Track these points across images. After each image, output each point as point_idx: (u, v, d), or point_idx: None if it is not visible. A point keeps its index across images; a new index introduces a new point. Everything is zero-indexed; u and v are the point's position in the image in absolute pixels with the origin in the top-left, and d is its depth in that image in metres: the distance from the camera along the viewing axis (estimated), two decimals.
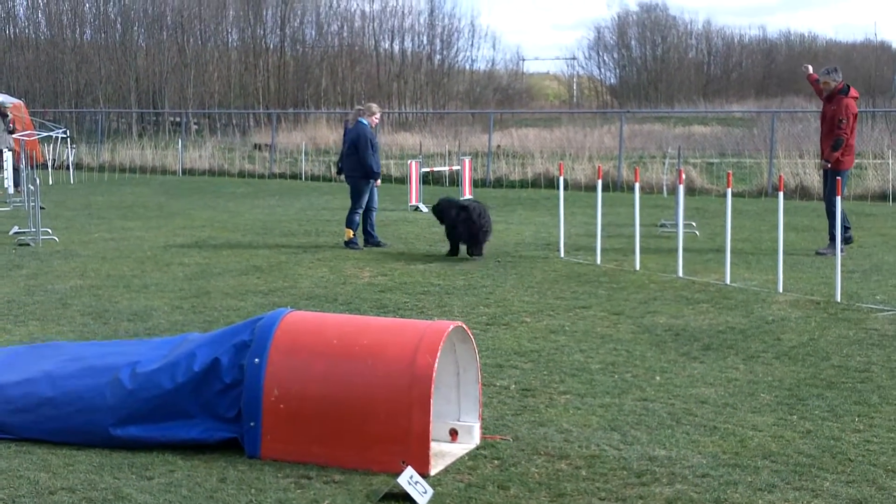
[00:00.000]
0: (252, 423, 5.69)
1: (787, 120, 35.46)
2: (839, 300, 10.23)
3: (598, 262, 12.83)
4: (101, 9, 61.61)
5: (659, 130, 43.40)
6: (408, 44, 72.46)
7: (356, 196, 14.64)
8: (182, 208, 20.66)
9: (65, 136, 32.28)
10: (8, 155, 23.31)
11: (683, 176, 13.28)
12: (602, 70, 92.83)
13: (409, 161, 22.05)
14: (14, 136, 24.66)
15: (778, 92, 77.37)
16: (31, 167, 20.90)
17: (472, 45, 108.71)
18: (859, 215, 16.55)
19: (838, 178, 12.70)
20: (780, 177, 11.31)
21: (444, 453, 5.75)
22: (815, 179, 22.75)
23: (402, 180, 22.99)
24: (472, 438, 5.97)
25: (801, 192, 22.51)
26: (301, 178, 30.10)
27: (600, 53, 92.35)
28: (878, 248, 14.23)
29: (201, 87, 59.80)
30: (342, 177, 15.34)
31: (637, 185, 12.96)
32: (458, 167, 22.83)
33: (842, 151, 13.60)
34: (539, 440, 6.01)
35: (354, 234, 14.56)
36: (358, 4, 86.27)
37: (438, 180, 26.80)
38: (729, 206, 11.45)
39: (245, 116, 57.00)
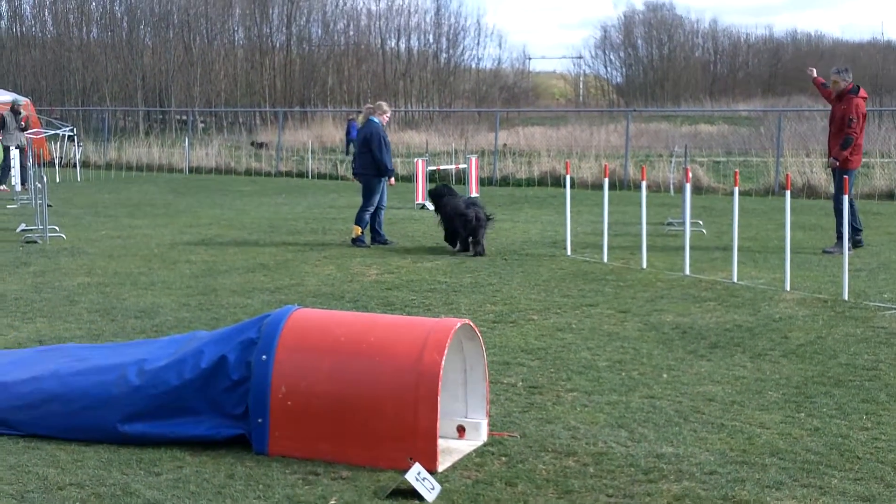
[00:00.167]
0: (260, 420, 5.70)
1: (794, 119, 35.43)
2: (846, 298, 10.22)
3: (605, 260, 12.82)
4: (108, 7, 61.71)
5: (665, 129, 43.40)
6: (414, 42, 72.53)
7: (368, 194, 14.63)
8: (189, 206, 20.68)
9: (72, 134, 32.35)
10: (15, 152, 23.37)
11: (690, 174, 13.28)
12: (608, 69, 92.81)
13: (415, 159, 22.07)
14: (26, 133, 24.75)
15: (784, 91, 77.31)
16: (39, 165, 20.91)
17: (478, 43, 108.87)
18: (866, 214, 16.53)
19: (845, 176, 12.65)
20: (787, 175, 11.30)
21: (451, 450, 5.76)
22: (821, 178, 22.74)
23: (409, 178, 23.00)
24: (479, 435, 5.97)
25: (808, 191, 22.49)
26: (307, 177, 30.12)
27: (606, 52, 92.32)
28: (886, 247, 14.21)
29: (208, 85, 59.88)
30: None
31: (644, 184, 12.96)
32: (465, 165, 22.82)
33: (850, 150, 13.59)
34: (546, 437, 6.01)
35: (363, 233, 14.55)
36: (364, 3, 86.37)
37: (445, 178, 26.79)
38: (736, 204, 11.44)
39: (251, 115, 57.07)
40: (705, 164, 27.36)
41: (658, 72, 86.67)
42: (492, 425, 6.16)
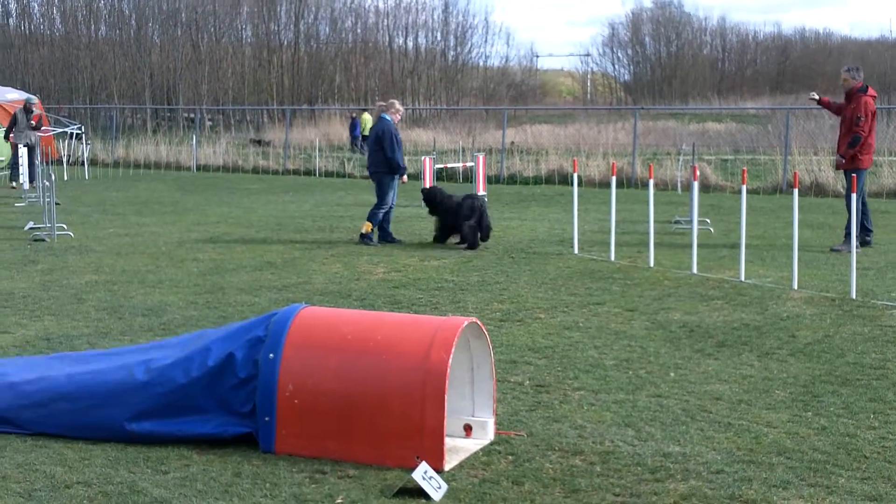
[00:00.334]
0: (267, 418, 5.70)
1: (802, 117, 35.33)
2: (854, 297, 10.20)
3: (612, 258, 12.81)
4: (116, 5, 61.80)
5: (673, 127, 43.34)
6: (422, 40, 72.50)
7: (382, 193, 14.61)
8: (196, 204, 20.71)
9: (79, 132, 32.40)
10: (23, 150, 23.42)
11: (698, 172, 13.26)
12: (616, 66, 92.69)
13: (422, 157, 22.06)
14: (38, 132, 24.84)
15: (793, 89, 77.13)
16: (47, 163, 20.98)
17: (485, 41, 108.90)
18: (874, 212, 16.48)
19: (853, 175, 12.61)
20: (795, 173, 11.28)
21: (458, 449, 5.76)
22: (830, 176, 22.70)
23: (416, 177, 23.00)
24: (486, 434, 5.97)
25: (817, 189, 22.45)
26: (315, 175, 30.14)
27: (614, 50, 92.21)
28: (894, 246, 14.18)
29: (215, 83, 59.95)
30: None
31: (651, 182, 12.94)
32: (472, 163, 22.83)
33: (859, 150, 13.57)
34: (553, 436, 6.01)
35: (373, 230, 14.51)
36: (372, 0, 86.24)
37: (452, 176, 26.80)
38: (744, 202, 11.42)
39: (259, 113, 57.10)
40: (713, 162, 27.32)
41: (666, 69, 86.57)
42: (499, 424, 6.16)
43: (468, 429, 5.98)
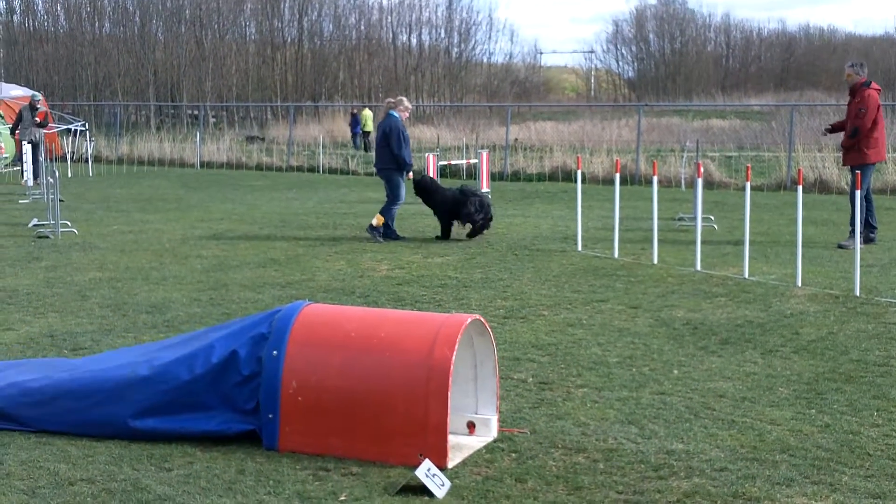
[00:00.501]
0: (270, 416, 5.70)
1: (806, 113, 35.32)
2: (858, 294, 10.19)
3: (616, 255, 12.81)
4: (120, 2, 61.84)
5: (677, 124, 43.36)
6: (425, 37, 72.56)
7: (393, 189, 14.62)
8: (200, 201, 20.73)
9: (83, 129, 32.43)
10: (27, 147, 23.45)
11: (702, 169, 13.25)
12: (620, 63, 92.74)
13: (426, 154, 22.08)
14: (45, 129, 24.90)
15: (797, 85, 77.17)
16: (51, 160, 20.99)
17: (489, 38, 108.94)
18: (879, 209, 16.46)
19: (857, 171, 12.60)
20: (800, 170, 11.26)
21: (461, 446, 5.76)
22: (834, 173, 22.69)
23: (421, 174, 22.97)
24: (489, 431, 5.97)
25: (821, 186, 22.44)
26: (318, 171, 30.15)
27: (618, 47, 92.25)
28: None
29: (219, 80, 59.98)
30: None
31: (655, 179, 12.93)
32: (476, 160, 22.83)
33: (866, 144, 13.55)
34: (556, 433, 6.01)
35: (383, 226, 14.48)
36: None
37: (456, 173, 26.80)
38: (748, 199, 11.41)
39: (262, 109, 57.11)
40: (717, 159, 27.31)
41: (670, 66, 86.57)
42: (502, 421, 6.16)
43: (471, 426, 5.98)
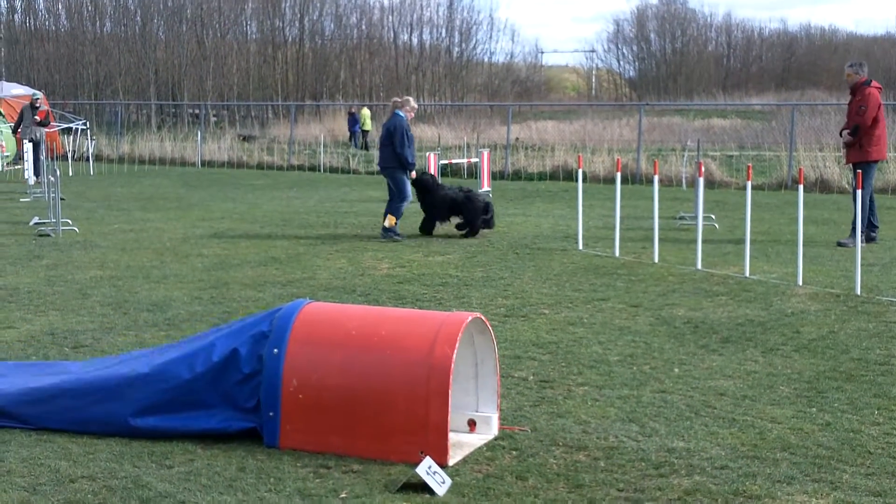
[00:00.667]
0: (271, 414, 5.70)
1: (807, 113, 35.32)
2: (859, 293, 10.19)
3: (617, 254, 12.81)
4: (121, 1, 61.85)
5: (678, 123, 43.36)
6: (426, 36, 72.58)
7: (398, 188, 14.61)
8: (201, 200, 20.73)
9: (85, 127, 32.43)
10: (28, 146, 23.47)
11: (703, 169, 13.25)
12: (621, 63, 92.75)
13: (427, 153, 22.07)
14: (46, 128, 24.92)
15: (798, 85, 77.14)
16: (52, 158, 20.99)
17: (490, 37, 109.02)
18: (880, 208, 16.47)
19: (859, 171, 12.60)
20: (800, 170, 11.26)
21: (462, 444, 5.76)
22: (835, 172, 22.69)
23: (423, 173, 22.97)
24: (490, 429, 5.97)
25: (821, 186, 22.43)
26: (319, 170, 30.16)
27: (619, 46, 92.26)
28: None
29: (220, 79, 59.98)
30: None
31: (656, 178, 12.93)
32: (477, 160, 22.83)
33: (867, 142, 13.55)
34: (557, 431, 6.01)
35: (397, 223, 14.48)
36: None
37: (457, 172, 26.80)
38: (749, 198, 11.40)
39: (264, 108, 57.11)
40: (718, 159, 27.31)
41: (671, 66, 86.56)
42: (503, 419, 6.16)
43: (472, 424, 5.98)
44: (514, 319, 9.16)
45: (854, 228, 13.11)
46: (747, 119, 45.76)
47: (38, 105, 24.91)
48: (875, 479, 5.26)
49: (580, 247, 13.50)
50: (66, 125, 32.69)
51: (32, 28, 63.18)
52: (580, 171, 14.06)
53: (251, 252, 13.27)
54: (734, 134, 37.86)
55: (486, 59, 78.69)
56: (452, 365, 5.43)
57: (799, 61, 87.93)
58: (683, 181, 23.66)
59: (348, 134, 42.37)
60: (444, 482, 5.11)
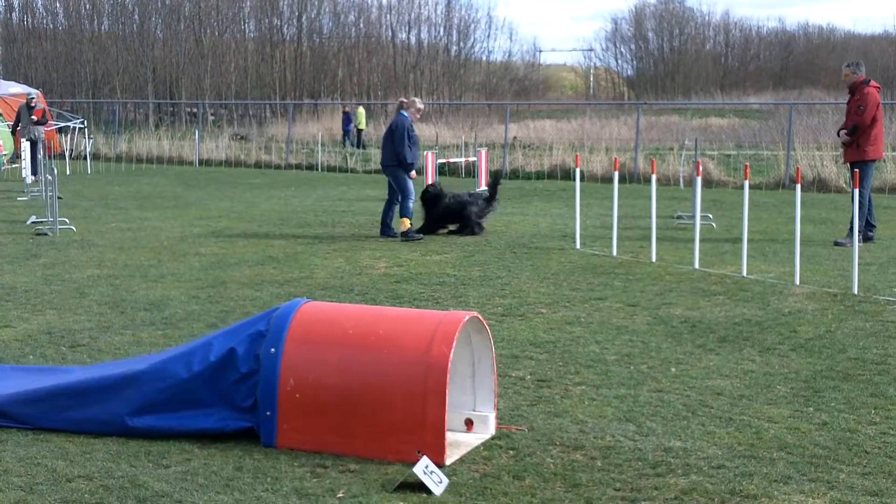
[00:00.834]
0: (268, 413, 5.70)
1: (805, 112, 35.33)
2: (856, 292, 10.20)
3: (614, 253, 12.81)
4: None
5: (676, 122, 43.34)
6: (424, 35, 72.54)
7: (401, 186, 14.59)
8: (198, 199, 20.72)
9: (82, 126, 32.42)
10: (26, 144, 23.46)
11: (700, 168, 13.26)
12: (619, 61, 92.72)
13: (425, 152, 22.05)
14: (43, 126, 24.93)
15: (796, 84, 77.17)
16: (49, 157, 20.99)
17: (488, 36, 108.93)
18: (877, 208, 16.50)
19: (856, 170, 12.60)
20: (798, 169, 11.27)
21: (459, 443, 5.76)
22: (832, 172, 22.70)
23: (418, 171, 22.98)
24: (487, 428, 5.97)
25: (819, 185, 22.45)
26: (317, 169, 30.15)
27: (617, 45, 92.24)
28: None
29: (218, 77, 59.95)
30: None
31: (654, 177, 12.93)
32: (475, 158, 22.83)
33: (864, 141, 13.55)
34: (554, 431, 6.01)
35: (411, 223, 14.48)
36: None
37: (455, 171, 26.80)
38: (746, 197, 11.41)
39: (262, 107, 57.09)
40: (716, 158, 27.31)
41: (669, 64, 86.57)
42: (500, 419, 6.16)
43: (469, 423, 5.98)
44: (512, 319, 9.16)
45: (851, 228, 13.11)
46: (745, 118, 45.77)
47: (33, 104, 24.91)
48: (871, 478, 5.26)
49: (578, 246, 13.50)
50: (63, 124, 32.67)
51: (30, 26, 63.16)
52: (578, 171, 14.04)
53: (249, 251, 13.27)
54: (732, 133, 37.86)
55: (483, 58, 78.70)
56: (449, 364, 5.43)
57: (797, 60, 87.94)
58: (681, 180, 23.66)
59: (341, 133, 42.32)
60: (441, 481, 5.11)
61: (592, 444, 5.77)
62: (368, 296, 10.27)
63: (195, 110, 51.92)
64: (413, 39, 72.06)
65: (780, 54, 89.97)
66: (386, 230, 14.71)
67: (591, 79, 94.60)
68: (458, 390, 5.97)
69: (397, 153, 14.49)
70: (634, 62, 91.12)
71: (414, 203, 14.75)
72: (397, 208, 14.87)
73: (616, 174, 13.17)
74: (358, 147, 38.16)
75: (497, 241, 14.25)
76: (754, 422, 6.18)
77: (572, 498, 5.02)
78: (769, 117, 40.99)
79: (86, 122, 34.26)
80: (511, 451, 5.69)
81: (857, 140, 13.67)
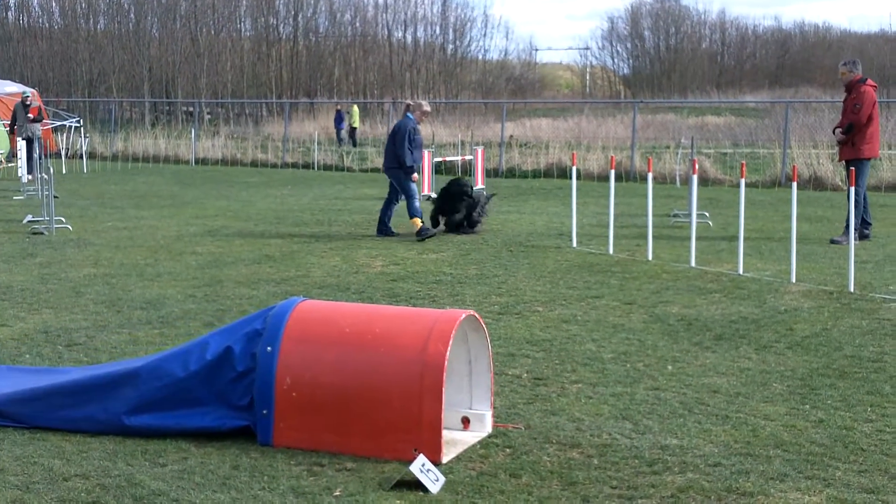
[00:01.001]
0: (265, 411, 5.70)
1: (801, 110, 35.36)
2: (852, 290, 10.20)
3: (611, 251, 12.82)
4: None
5: (672, 120, 43.40)
6: (420, 34, 72.57)
7: (405, 187, 14.55)
8: (195, 198, 20.71)
9: (78, 125, 32.38)
10: (22, 143, 23.44)
11: (697, 166, 13.27)
12: (615, 60, 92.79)
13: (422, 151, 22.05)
14: (39, 124, 24.92)
15: (792, 82, 77.25)
16: (45, 156, 20.96)
17: (484, 34, 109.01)
18: (873, 206, 16.53)
19: (852, 168, 12.61)
20: (794, 167, 11.27)
21: (455, 441, 5.76)
22: (828, 170, 22.72)
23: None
24: (483, 427, 5.98)
25: (815, 183, 22.46)
26: (313, 168, 30.14)
27: (613, 43, 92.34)
28: (892, 239, 14.19)
29: (214, 76, 59.93)
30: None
31: (650, 175, 12.94)
32: (471, 157, 22.83)
33: (860, 140, 13.56)
34: (551, 429, 6.01)
35: (423, 221, 14.45)
36: None
37: (451, 170, 26.80)
38: (742, 196, 11.42)
39: (258, 106, 57.06)
40: (712, 156, 27.33)
41: (665, 63, 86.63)
42: (496, 417, 6.17)
43: (466, 421, 5.98)
44: (508, 317, 9.16)
45: (847, 226, 13.13)
46: (741, 116, 45.82)
47: (28, 102, 24.89)
48: (868, 475, 5.27)
49: (574, 244, 13.51)
50: (59, 122, 32.64)
51: (26, 25, 63.13)
52: (574, 169, 14.05)
53: (245, 250, 13.26)
54: (728, 131, 37.91)
55: (480, 57, 78.75)
56: (446, 362, 5.43)
57: (793, 58, 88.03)
58: (677, 178, 23.68)
59: (335, 131, 42.30)
60: (437, 480, 5.11)
61: (589, 442, 5.77)
62: (365, 294, 10.27)
63: (191, 109, 51.87)
64: (409, 38, 72.12)
65: (777, 52, 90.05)
66: (383, 229, 14.71)
67: (588, 77, 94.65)
68: (455, 389, 5.97)
69: (398, 155, 14.50)
70: (631, 61, 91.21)
71: (420, 201, 14.75)
72: (396, 209, 14.87)
73: (612, 172, 13.17)
74: (354, 146, 38.13)
75: (493, 239, 14.25)
76: (751, 419, 6.18)
77: (569, 496, 5.02)
78: (765, 115, 41.05)
79: (82, 120, 34.21)
80: (508, 450, 5.69)
81: (852, 138, 13.68)
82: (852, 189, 11.12)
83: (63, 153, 29.96)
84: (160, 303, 9.79)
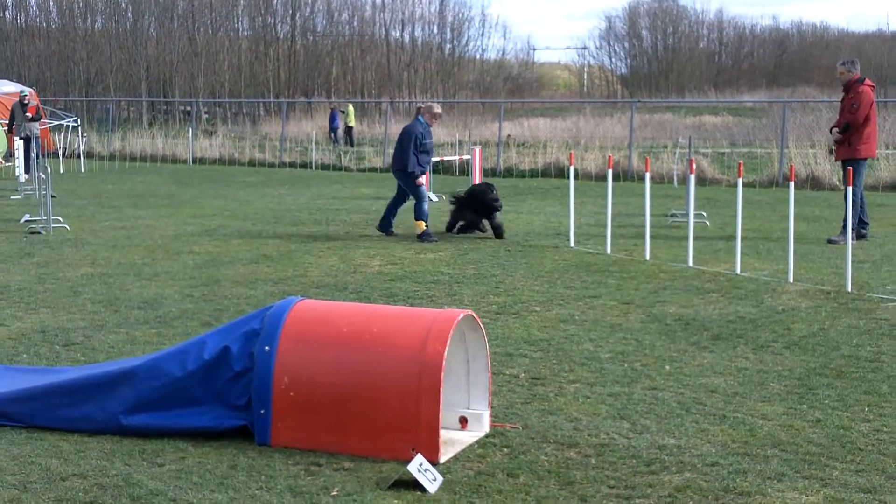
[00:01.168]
0: (262, 411, 5.70)
1: (799, 110, 35.39)
2: (850, 290, 10.21)
3: (609, 251, 12.82)
4: None
5: (670, 120, 43.41)
6: (418, 33, 72.55)
7: (412, 191, 14.53)
8: (192, 197, 20.70)
9: (76, 124, 32.36)
10: (19, 143, 23.43)
11: (694, 166, 13.27)
12: (613, 60, 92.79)
13: None
14: (39, 123, 24.94)
15: (789, 82, 77.26)
16: (42, 155, 20.96)
17: (482, 34, 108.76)
18: (870, 205, 16.54)
19: (849, 168, 12.62)
20: (791, 167, 11.28)
21: (453, 441, 5.76)
22: (826, 169, 22.74)
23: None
24: (481, 426, 5.98)
25: (812, 182, 22.48)
26: (311, 167, 30.13)
27: (611, 43, 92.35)
28: (890, 239, 14.19)
29: (212, 76, 59.88)
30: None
31: (647, 175, 12.94)
32: (469, 157, 22.83)
33: (857, 139, 13.57)
34: (548, 428, 6.01)
35: (427, 226, 14.40)
36: None
37: (448, 170, 26.80)
38: (740, 195, 11.43)
39: (255, 105, 57.03)
40: (709, 156, 27.35)
41: (663, 63, 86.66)
42: (494, 416, 6.17)
43: (464, 421, 5.99)
44: (506, 317, 9.16)
45: (845, 225, 13.14)
46: (739, 116, 45.85)
47: (26, 102, 24.88)
48: (865, 475, 5.27)
49: (572, 244, 13.51)
50: (56, 122, 32.62)
51: (23, 24, 63.06)
52: (572, 168, 14.06)
53: (242, 249, 13.26)
54: (725, 131, 37.94)
55: (477, 56, 78.72)
56: (444, 362, 5.44)
57: (790, 58, 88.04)
58: (675, 178, 23.69)
59: (328, 129, 42.23)
60: (435, 479, 5.11)
61: (586, 442, 5.77)
62: (363, 294, 10.26)
63: (189, 108, 51.85)
64: (407, 38, 72.09)
65: (774, 52, 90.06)
66: (385, 226, 14.70)
67: (585, 77, 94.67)
68: (453, 388, 5.97)
69: (402, 159, 14.50)
70: (628, 60, 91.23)
71: (427, 204, 14.71)
72: (401, 209, 14.88)
73: (610, 172, 13.18)
74: (351, 145, 38.10)
75: (491, 239, 14.25)
76: (748, 419, 6.19)
77: (566, 496, 5.03)
78: (763, 115, 41.08)
79: (79, 120, 34.20)
80: (505, 449, 5.69)
81: (849, 138, 13.69)
82: (849, 189, 11.12)
83: (60, 152, 29.95)
84: (157, 302, 9.79)
